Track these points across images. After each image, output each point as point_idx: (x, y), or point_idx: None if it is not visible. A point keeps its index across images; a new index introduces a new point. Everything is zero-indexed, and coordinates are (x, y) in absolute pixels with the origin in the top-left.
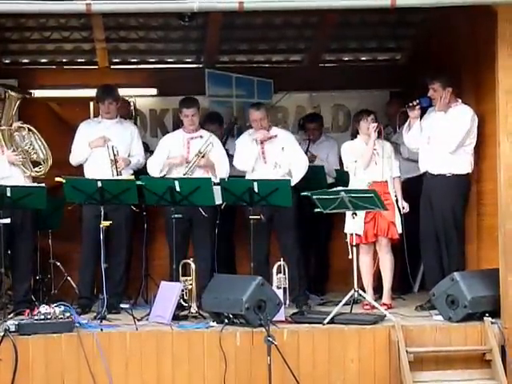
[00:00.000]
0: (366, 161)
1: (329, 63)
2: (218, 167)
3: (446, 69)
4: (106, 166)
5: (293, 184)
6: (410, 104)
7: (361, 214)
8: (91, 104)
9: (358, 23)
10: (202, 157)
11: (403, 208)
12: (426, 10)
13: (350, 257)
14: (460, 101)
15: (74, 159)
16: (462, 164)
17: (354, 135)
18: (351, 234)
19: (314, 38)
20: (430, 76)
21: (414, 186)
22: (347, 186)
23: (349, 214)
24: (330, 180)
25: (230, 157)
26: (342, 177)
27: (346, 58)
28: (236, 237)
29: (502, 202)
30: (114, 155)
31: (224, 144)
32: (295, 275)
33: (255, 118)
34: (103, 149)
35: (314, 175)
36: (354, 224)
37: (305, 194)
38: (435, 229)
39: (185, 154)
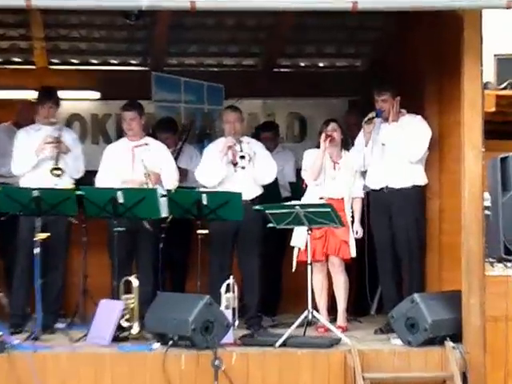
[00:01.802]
0: (314, 172)
1: (284, 68)
2: (165, 177)
3: (400, 78)
4: (46, 175)
5: (257, 194)
6: (368, 117)
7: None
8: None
9: (315, 26)
10: (149, 177)
11: (356, 233)
12: (387, 14)
13: (294, 270)
14: (405, 111)
15: (18, 169)
16: (421, 175)
17: (318, 146)
18: (298, 249)
19: (269, 42)
20: (378, 87)
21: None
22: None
23: (298, 227)
24: (285, 194)
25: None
26: (298, 191)
27: (303, 64)
28: (190, 252)
29: (466, 218)
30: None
31: (178, 153)
32: (252, 294)
33: (230, 119)
34: (46, 157)
35: (267, 188)
36: (299, 237)
37: (257, 207)
38: (395, 246)
39: (130, 163)
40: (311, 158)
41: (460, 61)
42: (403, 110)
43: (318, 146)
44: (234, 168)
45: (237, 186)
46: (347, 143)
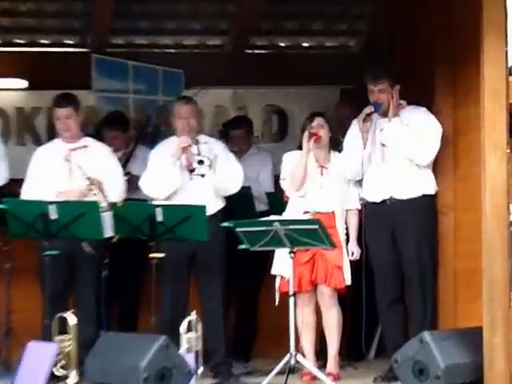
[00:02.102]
0: (296, 180)
1: (259, 49)
2: (109, 187)
3: (403, 62)
4: None
5: (219, 208)
6: (366, 113)
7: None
8: None
9: None
10: (92, 184)
11: (352, 254)
12: None
13: (277, 304)
14: (404, 102)
15: None
16: (431, 182)
17: (301, 146)
18: (281, 277)
19: (239, 16)
20: (373, 74)
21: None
22: (283, 214)
23: (279, 251)
24: (261, 207)
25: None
26: (278, 203)
27: (283, 44)
28: (142, 282)
29: (488, 238)
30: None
31: (129, 156)
32: (216, 334)
33: (183, 113)
34: None
35: (239, 200)
36: (282, 263)
37: (225, 224)
38: (399, 272)
39: (65, 170)
40: (292, 163)
41: (479, 41)
42: (402, 102)
43: (300, 147)
44: (190, 175)
45: (194, 198)
46: (337, 143)
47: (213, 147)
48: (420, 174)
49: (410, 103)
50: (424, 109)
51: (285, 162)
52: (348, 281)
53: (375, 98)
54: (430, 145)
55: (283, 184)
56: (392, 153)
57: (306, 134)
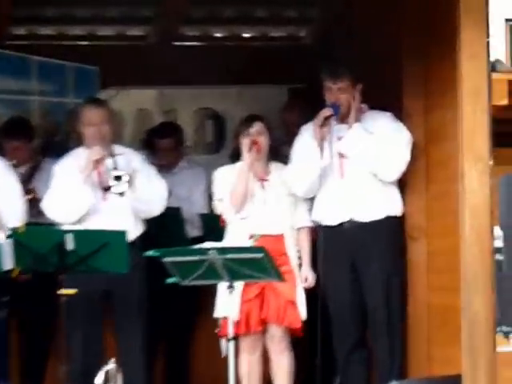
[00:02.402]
0: (237, 200)
1: (189, 41)
2: (5, 210)
3: (364, 56)
4: None
5: (139, 233)
6: (324, 115)
7: (238, 287)
8: None
9: None
10: None
11: (305, 280)
12: None
13: (224, 355)
14: (365, 106)
15: None
16: (397, 200)
17: (235, 157)
18: (225, 319)
19: (166, 1)
20: (332, 70)
21: None
22: (221, 241)
23: (222, 287)
24: (194, 232)
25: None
26: (214, 226)
27: (218, 34)
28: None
29: (468, 268)
30: None
31: (33, 172)
32: None
33: (93, 120)
34: None
35: (166, 223)
36: (229, 303)
37: (150, 253)
38: (361, 310)
39: None
40: (228, 180)
41: (456, 31)
42: (363, 105)
43: (234, 159)
44: (104, 194)
45: (109, 222)
46: (277, 152)
47: (130, 159)
48: (385, 192)
49: (372, 107)
50: (389, 114)
51: (218, 181)
52: (303, 315)
53: (334, 99)
54: (398, 157)
55: (219, 206)
56: (352, 166)
57: (245, 141)
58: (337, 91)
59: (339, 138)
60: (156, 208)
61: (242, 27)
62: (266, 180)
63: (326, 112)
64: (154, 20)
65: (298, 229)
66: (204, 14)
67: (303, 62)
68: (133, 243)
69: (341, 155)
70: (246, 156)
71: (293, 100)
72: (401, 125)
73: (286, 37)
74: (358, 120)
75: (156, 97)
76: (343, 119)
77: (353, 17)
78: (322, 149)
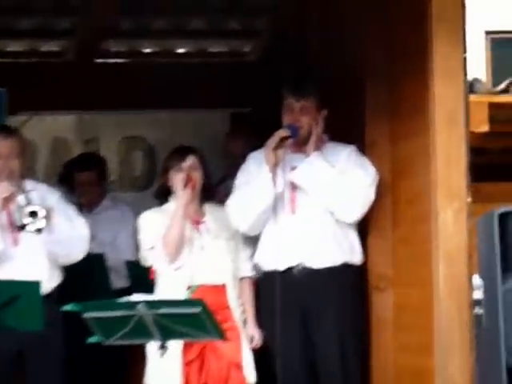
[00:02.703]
0: (171, 247)
1: (114, 57)
2: None
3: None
4: None
5: (56, 283)
6: (279, 135)
7: (177, 347)
8: None
9: None
10: None
11: (251, 340)
12: None
13: None
14: (326, 136)
15: None
16: (356, 245)
17: (163, 196)
18: None
19: (86, 12)
20: (297, 86)
21: None
22: (152, 293)
23: (152, 347)
24: (119, 282)
25: None
26: (143, 276)
27: (149, 49)
28: None
29: (442, 324)
30: None
31: None
32: None
33: (1, 152)
34: None
35: (86, 272)
36: (164, 367)
37: (67, 308)
38: (314, 374)
39: None
40: (156, 226)
41: (426, 44)
42: (324, 136)
43: (163, 199)
44: (15, 237)
45: (21, 270)
46: (211, 191)
47: (45, 197)
48: (343, 235)
49: (332, 138)
50: (353, 147)
51: (145, 227)
52: (251, 379)
53: (293, 119)
54: (361, 196)
55: (149, 256)
56: (306, 200)
57: (180, 177)
58: (298, 111)
59: (292, 168)
60: (76, 252)
61: (176, 41)
62: (201, 223)
63: (283, 132)
64: (73, 33)
65: (240, 279)
66: (132, 26)
67: (247, 81)
68: (48, 296)
69: (293, 187)
70: (181, 194)
71: (236, 127)
72: (366, 160)
73: (227, 52)
74: (317, 149)
75: (75, 123)
76: (300, 146)
77: (306, 30)
78: (274, 175)
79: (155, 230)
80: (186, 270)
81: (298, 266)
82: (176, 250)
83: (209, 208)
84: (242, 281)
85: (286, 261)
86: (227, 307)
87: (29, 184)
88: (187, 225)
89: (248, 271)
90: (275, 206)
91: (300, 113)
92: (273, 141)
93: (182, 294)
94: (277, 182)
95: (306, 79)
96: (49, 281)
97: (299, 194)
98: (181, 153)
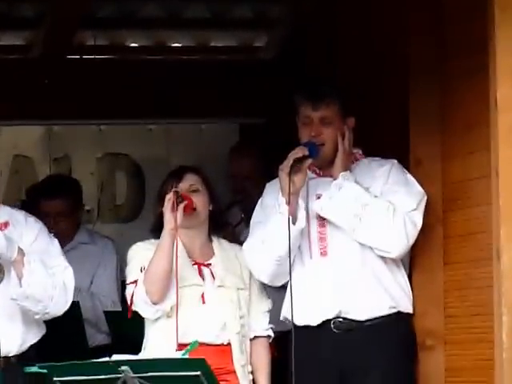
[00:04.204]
0: (154, 282)
1: (93, 53)
2: None
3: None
4: None
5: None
6: (294, 156)
7: None
8: None
9: None
10: None
11: None
12: None
13: None
14: (359, 151)
15: None
16: (406, 289)
17: (159, 230)
18: None
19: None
20: (313, 91)
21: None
22: (138, 352)
23: None
24: (98, 338)
25: None
26: (128, 330)
27: (134, 43)
28: None
29: None
30: None
31: None
32: None
33: None
34: None
35: (58, 325)
36: None
37: (33, 369)
38: None
39: None
40: (147, 260)
41: (488, 38)
42: (355, 150)
43: (159, 233)
44: None
45: None
46: (222, 221)
47: (17, 230)
48: (389, 274)
49: (368, 153)
50: (393, 162)
51: (132, 258)
52: None
53: (312, 134)
54: (405, 222)
55: (130, 293)
56: (339, 237)
57: (168, 196)
58: (318, 123)
59: (318, 197)
60: (56, 306)
61: (170, 33)
62: (206, 265)
63: (299, 152)
64: (40, 22)
65: (253, 339)
66: (113, 13)
67: (261, 85)
68: (21, 356)
69: (321, 221)
70: (168, 218)
71: (244, 142)
72: (410, 177)
73: (234, 47)
74: (347, 168)
75: (41, 138)
76: (325, 168)
77: (336, 20)
78: (293, 208)
79: (144, 263)
80: (183, 321)
81: (334, 318)
82: (158, 288)
83: (219, 246)
84: (254, 341)
85: (321, 313)
86: (232, 372)
87: (3, 211)
88: (187, 264)
89: (262, 330)
90: (302, 247)
91: (320, 125)
92: (287, 164)
93: (175, 353)
94: (299, 213)
95: (324, 81)
96: (13, 340)
97: (329, 228)
98: (177, 173)
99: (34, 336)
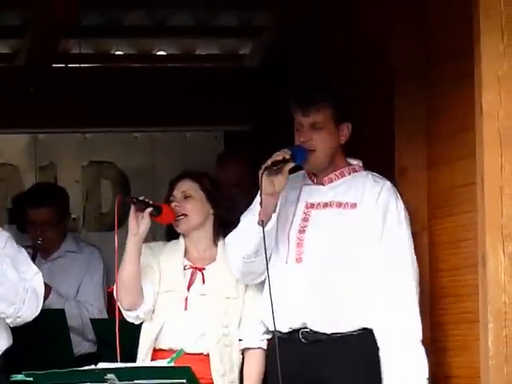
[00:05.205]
0: (120, 286)
1: (79, 62)
2: None
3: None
4: None
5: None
6: (278, 159)
7: None
8: None
9: None
10: None
11: None
12: None
13: None
14: (359, 162)
15: None
16: (374, 308)
17: (173, 236)
18: None
19: (42, 6)
20: (305, 94)
21: None
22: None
23: None
24: (84, 346)
25: None
26: (112, 339)
27: (120, 51)
28: None
29: None
30: None
31: None
32: None
33: None
34: None
35: (43, 332)
36: None
37: (18, 377)
38: None
39: None
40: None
41: (473, 43)
42: (354, 161)
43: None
44: None
45: None
46: (227, 222)
47: None
48: (360, 292)
49: (369, 168)
50: (387, 186)
51: None
52: None
53: (301, 139)
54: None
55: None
56: (315, 245)
57: (143, 217)
58: (308, 128)
59: (308, 205)
60: (26, 312)
61: (155, 41)
62: (201, 270)
63: (280, 155)
64: (25, 31)
65: (245, 350)
66: (99, 22)
67: (246, 92)
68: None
69: (302, 227)
70: (130, 224)
71: (230, 150)
72: (400, 205)
73: (219, 55)
74: (341, 175)
75: (27, 146)
76: (318, 175)
77: (321, 26)
78: (267, 209)
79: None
80: (169, 327)
81: (300, 329)
82: (125, 295)
83: (222, 250)
84: (246, 352)
85: (287, 321)
86: (211, 383)
87: None
88: (177, 271)
89: (254, 340)
90: (280, 251)
91: (311, 131)
92: (264, 165)
93: (160, 361)
94: (273, 217)
95: (315, 85)
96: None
97: (308, 235)
98: (173, 180)
99: (3, 343)
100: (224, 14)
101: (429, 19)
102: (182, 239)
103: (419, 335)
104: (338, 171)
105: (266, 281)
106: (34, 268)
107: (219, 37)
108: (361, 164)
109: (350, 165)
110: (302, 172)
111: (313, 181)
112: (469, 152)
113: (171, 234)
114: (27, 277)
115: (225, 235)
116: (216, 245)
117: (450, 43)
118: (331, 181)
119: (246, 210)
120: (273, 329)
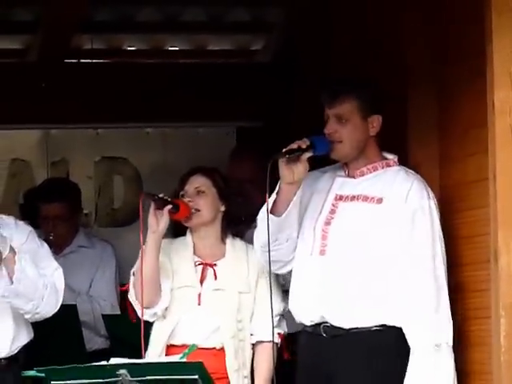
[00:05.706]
0: (138, 284)
1: (91, 57)
2: None
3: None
4: None
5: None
6: (293, 148)
7: None
8: None
9: None
10: None
11: None
12: None
13: None
14: (395, 157)
15: None
16: (395, 305)
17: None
18: None
19: (53, 2)
20: (330, 88)
21: None
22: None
23: None
24: (97, 342)
25: None
26: (126, 334)
27: (132, 47)
28: None
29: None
30: None
31: None
32: None
33: None
34: None
35: (55, 328)
36: None
37: (30, 373)
38: None
39: None
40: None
41: (485, 42)
42: (390, 156)
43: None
44: None
45: None
46: (237, 220)
47: (12, 235)
48: (382, 288)
49: (403, 164)
50: (418, 181)
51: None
52: None
53: (325, 131)
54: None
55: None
56: (340, 238)
57: (151, 213)
58: (334, 120)
59: (340, 198)
60: (48, 307)
61: (167, 36)
62: (212, 265)
63: (300, 143)
64: (37, 26)
65: (256, 344)
66: (110, 17)
67: (258, 88)
68: (14, 359)
69: (328, 219)
70: (149, 221)
71: (243, 146)
72: (432, 207)
73: (231, 51)
74: (373, 169)
75: (39, 141)
76: (349, 168)
77: (333, 23)
78: (286, 197)
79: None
80: (183, 323)
81: (321, 323)
82: (144, 292)
83: (231, 247)
84: (256, 346)
85: (308, 315)
86: (225, 377)
87: None
88: (189, 267)
89: (266, 334)
90: (307, 242)
91: (336, 123)
92: (284, 153)
93: (173, 356)
94: (291, 206)
95: (343, 78)
96: (10, 342)
97: (333, 227)
98: (185, 175)
99: (24, 338)
100: (236, 9)
101: (441, 18)
102: (189, 236)
103: (449, 341)
104: (371, 165)
105: (293, 272)
106: (55, 263)
107: (231, 32)
108: (396, 159)
109: (384, 159)
110: (340, 163)
111: (345, 173)
112: (481, 148)
113: (177, 230)
114: (47, 272)
115: (236, 232)
116: (224, 242)
117: (462, 41)
118: (363, 174)
119: (259, 205)
120: (300, 321)
